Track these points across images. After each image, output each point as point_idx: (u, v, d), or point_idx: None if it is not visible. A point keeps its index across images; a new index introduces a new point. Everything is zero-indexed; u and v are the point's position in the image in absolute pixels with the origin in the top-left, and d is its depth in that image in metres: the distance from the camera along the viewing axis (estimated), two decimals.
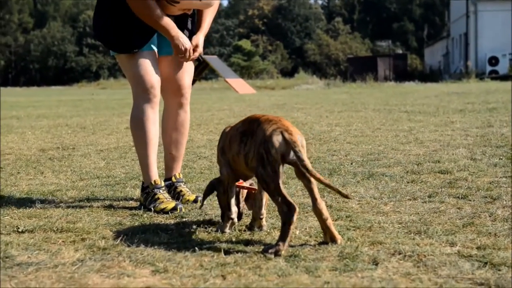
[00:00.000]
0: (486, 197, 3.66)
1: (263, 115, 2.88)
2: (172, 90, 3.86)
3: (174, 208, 3.51)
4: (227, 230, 3.04)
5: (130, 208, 3.60)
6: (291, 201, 2.66)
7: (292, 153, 2.68)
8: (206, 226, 3.14)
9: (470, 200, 3.59)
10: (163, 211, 3.49)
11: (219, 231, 3.03)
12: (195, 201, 3.74)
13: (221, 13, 72.73)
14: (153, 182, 3.69)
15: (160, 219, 3.33)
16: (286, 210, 2.64)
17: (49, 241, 2.87)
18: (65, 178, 4.71)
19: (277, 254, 2.58)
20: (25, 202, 3.73)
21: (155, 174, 3.74)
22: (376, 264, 2.44)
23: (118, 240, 2.85)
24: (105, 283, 2.30)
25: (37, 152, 6.41)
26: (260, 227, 3.05)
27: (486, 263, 2.43)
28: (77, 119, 10.98)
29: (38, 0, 76.41)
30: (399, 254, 2.56)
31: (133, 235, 2.94)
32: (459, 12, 41.57)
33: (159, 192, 3.64)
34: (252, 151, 2.80)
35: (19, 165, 5.46)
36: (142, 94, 3.70)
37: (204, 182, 4.34)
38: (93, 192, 4.10)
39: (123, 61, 3.76)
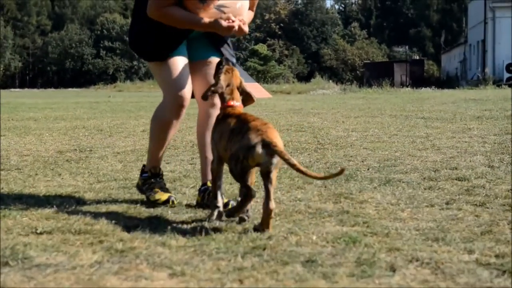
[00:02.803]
0: (504, 205, 3.64)
1: (254, 119, 3.16)
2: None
3: (167, 201, 3.74)
4: (214, 218, 3.32)
5: (148, 211, 3.61)
6: (251, 187, 3.12)
7: (267, 162, 3.04)
8: (223, 230, 3.14)
9: (488, 208, 3.57)
10: (157, 202, 3.74)
11: (207, 220, 3.29)
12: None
13: None
14: (153, 170, 3.90)
15: (177, 222, 3.33)
16: (245, 192, 3.11)
17: (67, 243, 2.89)
18: (82, 180, 4.73)
19: (228, 216, 3.23)
20: (43, 204, 3.75)
21: (159, 163, 3.94)
22: (394, 271, 2.44)
23: (136, 243, 2.86)
24: (123, 285, 2.31)
25: (54, 153, 6.45)
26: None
27: (504, 271, 2.42)
28: (94, 121, 11.03)
29: (56, 3, 76.88)
30: (417, 261, 2.56)
31: (150, 238, 2.95)
32: (477, 18, 41.38)
33: (156, 180, 3.88)
34: (234, 149, 3.13)
35: (37, 166, 5.49)
36: (170, 101, 3.77)
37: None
38: (110, 195, 4.12)
39: (154, 68, 3.85)
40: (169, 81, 3.75)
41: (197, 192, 3.92)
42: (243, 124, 3.16)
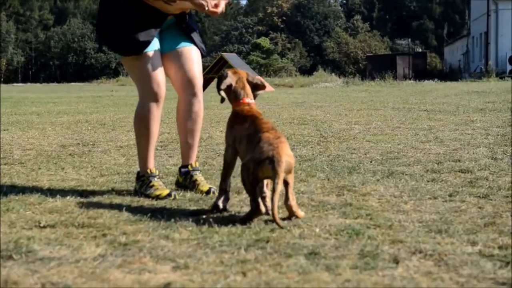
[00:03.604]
0: (507, 196, 3.63)
1: (268, 129, 3.20)
2: (183, 82, 3.99)
3: (169, 195, 3.75)
4: (220, 203, 3.37)
5: (151, 205, 3.62)
6: (260, 203, 3.13)
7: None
8: (226, 223, 3.14)
9: (491, 200, 3.56)
10: (158, 197, 3.73)
11: (213, 203, 3.37)
12: (208, 192, 3.83)
13: (240, 11, 72.72)
14: (148, 171, 3.92)
15: (180, 215, 3.33)
16: (254, 207, 3.11)
17: (71, 236, 2.89)
18: (85, 174, 4.74)
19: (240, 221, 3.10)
20: (46, 198, 3.75)
21: (151, 164, 3.97)
22: (397, 263, 2.44)
23: (139, 236, 2.87)
24: (126, 278, 2.31)
25: (57, 148, 6.45)
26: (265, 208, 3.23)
27: (508, 262, 2.41)
28: (97, 116, 11.04)
29: None
30: (420, 253, 2.55)
31: (153, 231, 2.95)
32: (479, 10, 41.27)
33: (154, 180, 3.89)
34: (246, 159, 3.19)
35: (40, 160, 5.50)
36: (148, 94, 3.88)
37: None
38: (113, 188, 4.12)
39: (129, 63, 3.93)
40: (145, 75, 3.85)
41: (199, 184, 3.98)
42: (257, 133, 3.21)
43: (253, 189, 3.14)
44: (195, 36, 4.03)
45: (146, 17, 3.80)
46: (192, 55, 3.99)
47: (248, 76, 3.56)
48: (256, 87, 3.57)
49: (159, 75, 3.87)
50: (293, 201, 3.15)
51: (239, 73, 3.55)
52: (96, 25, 4.03)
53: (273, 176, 3.06)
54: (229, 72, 3.53)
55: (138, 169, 4.03)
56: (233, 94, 3.49)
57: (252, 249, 2.65)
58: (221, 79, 3.50)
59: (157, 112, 3.90)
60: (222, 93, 3.48)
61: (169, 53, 3.96)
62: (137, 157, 4.07)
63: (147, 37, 3.80)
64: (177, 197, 3.76)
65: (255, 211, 3.12)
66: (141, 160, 3.98)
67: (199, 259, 2.52)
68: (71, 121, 9.95)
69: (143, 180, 3.90)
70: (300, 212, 3.19)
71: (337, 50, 64.31)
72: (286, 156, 3.09)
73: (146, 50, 3.81)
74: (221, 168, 3.51)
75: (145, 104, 3.89)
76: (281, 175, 3.04)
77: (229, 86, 3.47)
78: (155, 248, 2.68)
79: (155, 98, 3.87)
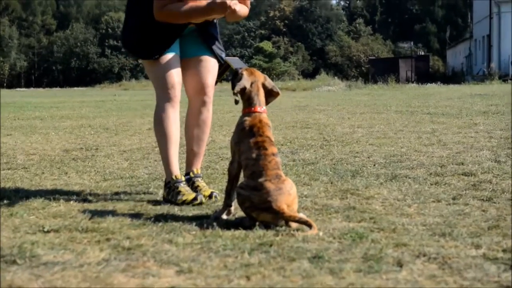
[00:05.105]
0: (511, 199, 3.63)
1: (271, 176, 3.11)
2: (195, 89, 4.05)
3: (194, 199, 3.71)
4: (224, 216, 3.30)
5: (154, 209, 3.62)
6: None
7: (275, 223, 3.08)
8: (229, 227, 3.14)
9: (495, 203, 3.56)
10: (185, 203, 3.70)
11: (216, 217, 3.29)
12: (210, 196, 3.84)
13: None
14: (174, 177, 3.88)
15: (184, 219, 3.33)
16: (249, 224, 3.09)
17: (75, 241, 2.89)
18: (89, 179, 4.74)
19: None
20: (50, 202, 3.76)
21: (176, 170, 3.92)
22: (401, 266, 2.43)
23: (143, 240, 2.87)
24: (130, 282, 2.31)
25: (61, 152, 6.46)
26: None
27: None
28: (100, 120, 11.05)
29: (61, 2, 76.99)
30: (424, 256, 2.55)
31: (157, 236, 2.95)
32: (482, 13, 41.24)
33: (180, 185, 3.84)
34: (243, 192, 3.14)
35: (43, 165, 5.50)
36: (163, 94, 3.92)
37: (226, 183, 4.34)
38: (117, 193, 4.13)
39: (146, 65, 4.01)
40: (160, 77, 3.91)
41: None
42: (259, 175, 3.13)
43: (248, 214, 3.14)
44: (217, 46, 4.08)
45: (166, 24, 3.85)
46: (210, 66, 4.05)
47: (265, 80, 3.43)
48: (270, 93, 3.43)
49: (174, 77, 3.90)
50: (293, 226, 3.08)
51: (255, 75, 3.41)
52: (122, 28, 4.14)
53: (273, 223, 3.07)
54: (245, 73, 3.39)
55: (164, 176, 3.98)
56: (246, 98, 3.37)
57: (256, 253, 2.65)
58: (236, 80, 3.37)
59: (172, 113, 3.91)
60: (236, 96, 3.38)
61: (187, 59, 4.02)
62: (162, 164, 3.99)
63: (164, 43, 3.88)
64: (203, 201, 3.72)
65: (249, 228, 3.08)
66: (165, 166, 3.93)
67: (202, 263, 2.52)
68: (74, 125, 9.96)
69: (170, 187, 3.84)
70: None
71: (339, 54, 64.30)
72: (284, 205, 3.04)
73: (164, 53, 3.87)
74: (225, 175, 3.48)
75: (160, 105, 3.93)
76: (295, 216, 3.03)
77: (243, 89, 3.35)
78: (159, 252, 2.68)
79: (168, 98, 3.89)
